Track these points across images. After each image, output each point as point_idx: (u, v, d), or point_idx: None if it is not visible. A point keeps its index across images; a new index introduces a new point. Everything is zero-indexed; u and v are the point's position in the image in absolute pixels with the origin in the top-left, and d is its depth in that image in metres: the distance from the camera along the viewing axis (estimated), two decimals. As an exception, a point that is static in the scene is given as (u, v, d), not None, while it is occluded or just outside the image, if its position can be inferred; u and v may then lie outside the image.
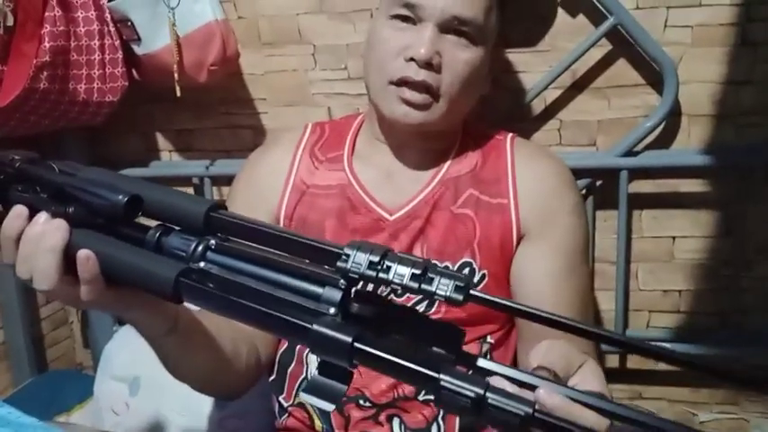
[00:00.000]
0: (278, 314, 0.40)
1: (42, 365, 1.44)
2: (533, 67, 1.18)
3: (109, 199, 0.48)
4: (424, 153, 0.88)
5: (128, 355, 1.27)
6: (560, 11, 1.15)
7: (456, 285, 0.40)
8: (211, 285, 0.44)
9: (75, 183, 0.51)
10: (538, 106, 1.19)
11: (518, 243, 0.84)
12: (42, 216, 0.51)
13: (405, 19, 0.80)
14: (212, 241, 0.47)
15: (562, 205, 0.85)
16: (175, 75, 1.13)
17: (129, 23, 1.14)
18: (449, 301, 0.40)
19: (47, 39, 1.05)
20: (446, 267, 0.39)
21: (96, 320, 1.45)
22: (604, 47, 1.14)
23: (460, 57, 0.80)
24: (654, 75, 1.13)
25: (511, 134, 0.92)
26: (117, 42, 1.18)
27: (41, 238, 0.50)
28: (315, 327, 0.38)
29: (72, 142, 1.36)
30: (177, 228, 0.49)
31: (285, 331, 0.41)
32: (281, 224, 0.87)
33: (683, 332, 1.22)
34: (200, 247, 0.47)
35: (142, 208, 0.49)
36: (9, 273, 1.33)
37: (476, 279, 0.82)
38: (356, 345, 0.37)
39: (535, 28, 1.17)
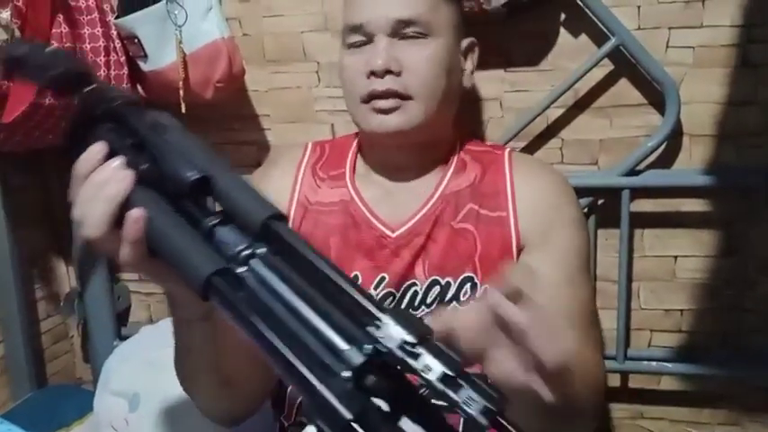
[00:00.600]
0: (289, 355, 0.36)
1: (42, 380, 1.44)
2: (536, 87, 1.18)
3: (178, 172, 0.46)
4: (421, 168, 0.88)
5: (128, 370, 1.26)
6: (563, 31, 1.16)
7: (485, 407, 0.34)
8: (240, 295, 0.41)
9: (156, 141, 0.49)
10: (540, 125, 1.19)
11: (518, 255, 0.84)
12: (115, 161, 0.50)
13: (360, 44, 0.83)
14: (262, 250, 0.43)
15: (560, 217, 0.85)
16: (181, 92, 1.13)
17: (136, 40, 1.15)
18: (470, 421, 0.35)
19: (54, 55, 1.06)
20: (484, 378, 0.35)
21: (97, 335, 1.45)
22: (606, 67, 1.15)
23: (419, 55, 0.81)
24: (656, 95, 1.14)
25: (509, 148, 0.93)
26: (123, 59, 1.19)
27: (105, 184, 0.49)
28: (320, 389, 0.34)
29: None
30: (235, 222, 0.46)
31: (289, 376, 0.36)
32: None
33: (684, 352, 1.22)
34: (246, 252, 0.43)
35: (209, 190, 0.47)
36: (10, 286, 1.33)
37: (478, 294, 0.82)
38: (353, 425, 0.32)
39: (538, 48, 1.18)
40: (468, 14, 1.09)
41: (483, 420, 0.34)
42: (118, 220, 0.49)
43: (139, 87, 1.25)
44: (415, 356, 0.35)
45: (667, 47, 1.13)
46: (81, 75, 0.53)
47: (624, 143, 1.17)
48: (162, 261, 0.48)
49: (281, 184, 0.90)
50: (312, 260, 0.41)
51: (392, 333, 0.36)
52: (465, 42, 0.89)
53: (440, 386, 0.35)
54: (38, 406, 1.33)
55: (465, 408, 0.34)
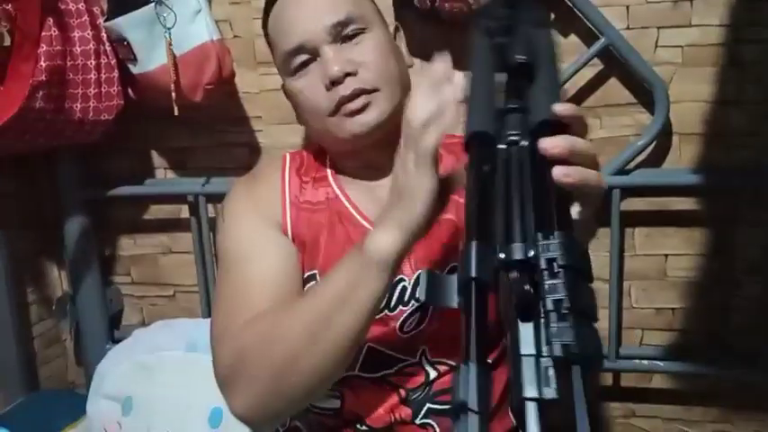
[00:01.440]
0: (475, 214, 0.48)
1: (34, 384, 1.43)
2: (526, 87, 1.19)
3: (516, 50, 0.54)
4: (392, 159, 0.87)
5: (121, 373, 1.26)
6: (552, 31, 1.17)
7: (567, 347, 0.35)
8: (486, 156, 0.50)
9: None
10: (531, 125, 1.20)
11: None
12: None
13: (304, 64, 0.82)
14: (524, 142, 0.49)
15: None
16: (173, 94, 1.13)
17: (126, 43, 1.15)
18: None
19: (43, 58, 1.06)
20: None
21: (89, 339, 1.45)
22: (596, 66, 1.16)
23: (366, 49, 0.81)
24: (645, 94, 1.14)
25: None
26: (113, 62, 1.19)
27: None
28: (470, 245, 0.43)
29: (67, 160, 1.36)
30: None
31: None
32: (288, 235, 0.86)
33: (676, 350, 1.23)
34: (515, 137, 0.50)
35: (529, 77, 0.54)
36: (1, 290, 1.32)
37: None
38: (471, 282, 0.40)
39: (528, 48, 1.18)
40: (457, 16, 1.10)
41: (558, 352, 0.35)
42: None
43: (130, 90, 1.25)
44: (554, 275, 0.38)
45: (656, 46, 1.13)
46: None
47: (614, 142, 1.18)
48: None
49: (273, 184, 0.89)
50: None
51: (557, 253, 0.39)
52: (391, 27, 0.90)
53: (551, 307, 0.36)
54: (30, 410, 1.33)
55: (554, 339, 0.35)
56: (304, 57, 0.82)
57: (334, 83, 0.79)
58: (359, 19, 0.82)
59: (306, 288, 0.82)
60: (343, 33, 0.81)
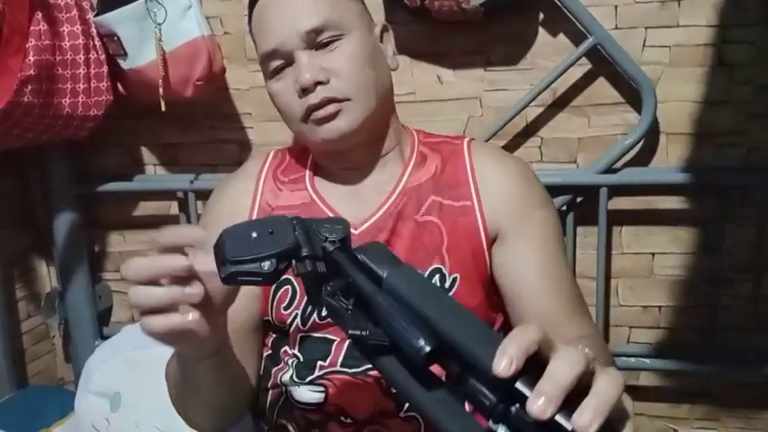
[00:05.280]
0: None
1: (23, 380, 1.43)
2: (515, 86, 1.19)
3: (410, 345, 0.42)
4: (378, 163, 0.88)
5: (109, 370, 1.26)
6: (541, 30, 1.17)
7: None
8: None
9: (378, 305, 0.45)
10: (519, 124, 1.20)
11: (489, 244, 0.84)
12: None
13: (280, 69, 0.83)
14: (513, 408, 0.39)
15: (529, 201, 0.86)
16: (161, 90, 1.13)
17: (116, 38, 1.15)
18: None
19: (32, 53, 1.05)
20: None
21: (78, 335, 1.44)
22: (584, 66, 1.16)
23: (339, 56, 0.81)
24: (633, 93, 1.15)
25: (467, 138, 0.93)
26: (102, 57, 1.19)
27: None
28: None
29: (56, 156, 1.36)
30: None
31: None
32: None
33: (663, 348, 1.23)
34: (501, 406, 0.39)
35: (445, 352, 0.42)
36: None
37: (447, 284, 0.83)
38: None
39: (517, 47, 1.19)
40: (446, 14, 1.10)
41: None
42: None
43: (119, 86, 1.25)
44: None
45: (644, 46, 1.14)
46: (289, 251, 0.51)
47: (602, 141, 1.18)
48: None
49: (241, 194, 0.90)
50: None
51: None
52: (377, 28, 0.89)
53: None
54: (18, 406, 1.32)
55: None
56: (280, 61, 0.82)
57: (305, 90, 0.80)
58: (336, 25, 0.81)
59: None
60: (317, 40, 0.80)
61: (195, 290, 0.54)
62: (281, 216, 0.52)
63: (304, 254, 0.50)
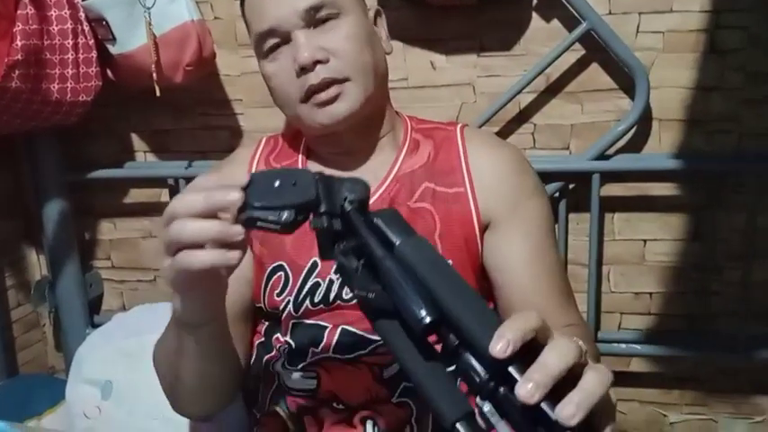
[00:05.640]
0: None
1: (13, 369, 1.42)
2: (508, 72, 1.19)
3: (412, 313, 0.43)
4: (372, 150, 0.87)
5: (100, 358, 1.25)
6: (535, 16, 1.17)
7: None
8: None
9: (386, 269, 0.46)
10: (512, 110, 1.20)
11: (482, 231, 0.84)
12: None
13: (276, 47, 0.81)
14: (502, 389, 0.40)
15: (522, 189, 0.86)
16: (154, 75, 1.12)
17: (104, 23, 1.14)
18: None
19: (19, 37, 1.04)
20: None
21: (68, 323, 1.44)
22: (578, 51, 1.16)
23: (339, 36, 0.80)
24: (626, 79, 1.15)
25: (460, 124, 0.92)
26: (91, 42, 1.18)
27: None
28: None
29: (45, 142, 1.35)
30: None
31: None
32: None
33: (654, 334, 1.24)
34: (491, 384, 0.41)
35: (444, 325, 0.44)
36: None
37: None
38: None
39: (510, 32, 1.18)
40: (440, 0, 1.09)
41: None
42: None
43: (108, 71, 1.23)
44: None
45: (637, 32, 1.14)
46: (309, 205, 0.51)
47: (595, 128, 1.18)
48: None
49: (233, 175, 0.88)
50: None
51: None
52: (371, 11, 0.89)
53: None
54: (9, 395, 1.32)
55: None
56: (275, 40, 0.81)
57: (304, 69, 0.78)
58: (332, 3, 0.80)
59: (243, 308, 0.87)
60: (316, 17, 0.79)
61: (238, 228, 0.52)
62: (306, 170, 0.52)
63: (322, 210, 0.50)
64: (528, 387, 0.37)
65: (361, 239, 0.49)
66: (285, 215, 0.50)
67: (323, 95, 0.79)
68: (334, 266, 0.51)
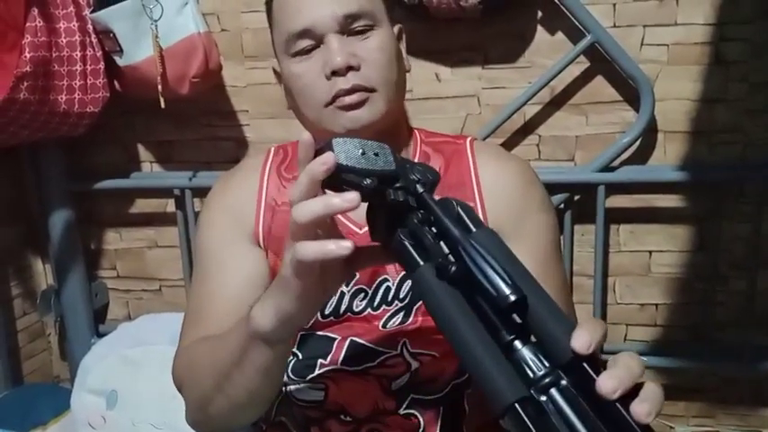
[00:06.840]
0: None
1: (18, 378, 1.42)
2: (513, 84, 1.19)
3: (498, 288, 0.44)
4: None
5: (105, 368, 1.26)
6: (540, 28, 1.17)
7: None
8: (538, 423, 0.41)
9: (468, 247, 0.46)
10: (517, 122, 1.21)
11: None
12: None
13: (307, 51, 0.81)
14: (564, 382, 0.42)
15: (530, 204, 0.86)
16: (159, 87, 1.13)
17: (112, 35, 1.14)
18: None
19: (28, 49, 1.05)
20: None
21: (74, 333, 1.44)
22: (582, 64, 1.16)
23: (371, 46, 0.81)
24: (631, 92, 1.15)
25: (470, 137, 0.92)
26: (99, 53, 1.19)
27: None
28: None
29: (52, 153, 1.36)
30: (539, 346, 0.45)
31: None
32: (261, 244, 0.86)
33: (659, 345, 1.24)
34: (549, 379, 0.42)
35: (524, 310, 0.45)
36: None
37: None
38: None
39: (515, 45, 1.19)
40: (444, 11, 1.10)
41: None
42: None
43: (116, 83, 1.24)
44: None
45: (642, 44, 1.14)
46: (391, 176, 0.51)
47: (600, 139, 1.19)
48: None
49: (248, 189, 0.89)
50: (610, 407, 0.40)
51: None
52: (396, 28, 0.89)
53: None
54: (14, 404, 1.32)
55: None
56: (309, 42, 0.81)
57: (336, 73, 0.79)
58: (370, 15, 0.81)
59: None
60: (351, 26, 0.80)
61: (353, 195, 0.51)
62: (385, 145, 0.53)
63: (399, 185, 0.51)
64: (614, 382, 0.40)
65: (438, 219, 0.49)
66: (368, 182, 0.51)
67: (348, 99, 0.79)
68: (398, 239, 0.51)
